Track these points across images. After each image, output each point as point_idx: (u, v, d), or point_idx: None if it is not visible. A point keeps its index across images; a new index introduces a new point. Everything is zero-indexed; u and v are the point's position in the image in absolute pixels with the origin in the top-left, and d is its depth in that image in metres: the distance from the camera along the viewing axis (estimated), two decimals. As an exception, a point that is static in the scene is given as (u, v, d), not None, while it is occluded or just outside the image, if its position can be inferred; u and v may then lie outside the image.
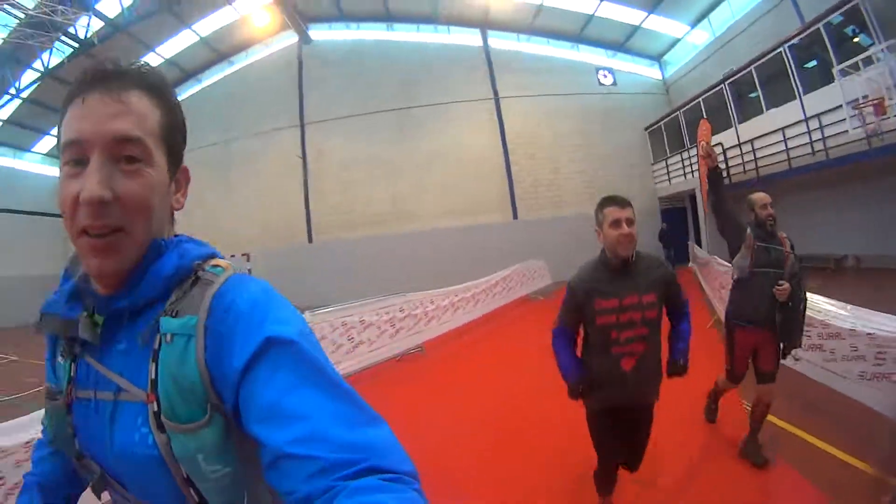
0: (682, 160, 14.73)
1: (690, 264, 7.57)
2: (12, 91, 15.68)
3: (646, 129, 16.66)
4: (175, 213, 0.86)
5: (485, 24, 16.74)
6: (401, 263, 14.57)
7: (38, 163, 19.25)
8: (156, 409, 0.72)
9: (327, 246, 15.73)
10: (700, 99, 13.84)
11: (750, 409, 3.67)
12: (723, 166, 12.30)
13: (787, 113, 10.81)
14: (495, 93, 16.41)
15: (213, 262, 0.83)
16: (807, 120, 10.09)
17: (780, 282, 3.41)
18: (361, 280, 13.42)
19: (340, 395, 0.67)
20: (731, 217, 3.66)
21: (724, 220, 3.71)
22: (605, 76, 17.53)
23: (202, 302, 0.75)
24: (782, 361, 3.68)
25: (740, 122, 12.57)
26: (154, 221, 0.77)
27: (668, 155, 15.69)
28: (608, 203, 2.59)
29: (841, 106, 8.93)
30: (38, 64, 15.02)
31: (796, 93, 10.55)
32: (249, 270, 13.95)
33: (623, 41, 17.26)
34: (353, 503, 0.57)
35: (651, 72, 18.06)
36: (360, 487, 0.58)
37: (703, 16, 15.19)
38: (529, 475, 3.56)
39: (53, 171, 19.23)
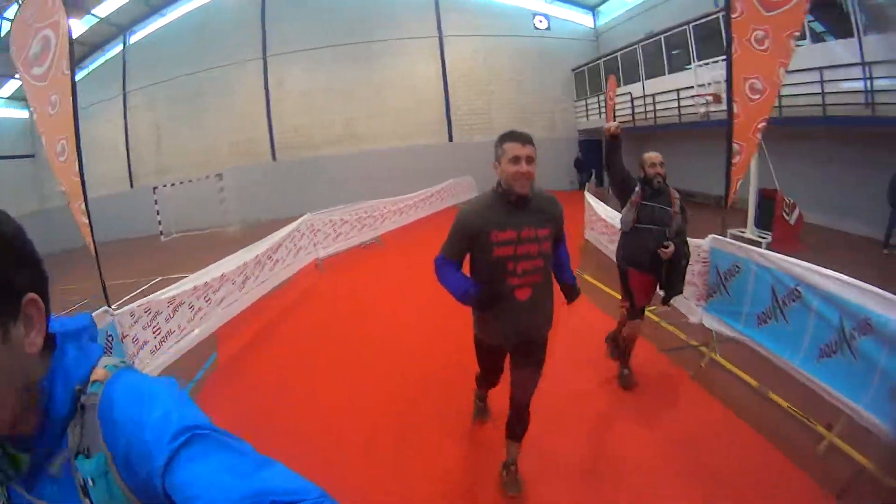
0: (600, 101, 17.56)
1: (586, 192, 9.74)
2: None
3: (573, 70, 19.57)
4: (34, 352, 0.75)
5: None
6: (355, 178, 17.51)
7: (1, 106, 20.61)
8: None
9: (289, 164, 18.56)
10: (619, 53, 16.42)
11: (616, 337, 4.28)
12: (628, 117, 15.49)
13: (682, 78, 13.14)
14: (440, 31, 19.11)
15: (93, 376, 0.81)
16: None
17: (666, 242, 3.78)
18: (321, 193, 16.15)
19: (226, 452, 0.71)
20: (619, 177, 4.02)
21: (614, 179, 4.08)
22: (541, 21, 20.27)
23: (97, 433, 0.76)
24: (663, 306, 4.37)
25: (647, 78, 15.23)
26: (2, 390, 0.72)
27: (589, 95, 18.63)
28: (509, 138, 2.60)
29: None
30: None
31: (692, 63, 12.56)
32: (222, 189, 16.92)
33: None
34: None
35: (584, 19, 20.56)
36: None
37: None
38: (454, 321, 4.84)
39: (18, 113, 21.08)
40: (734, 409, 3.73)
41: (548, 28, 20.13)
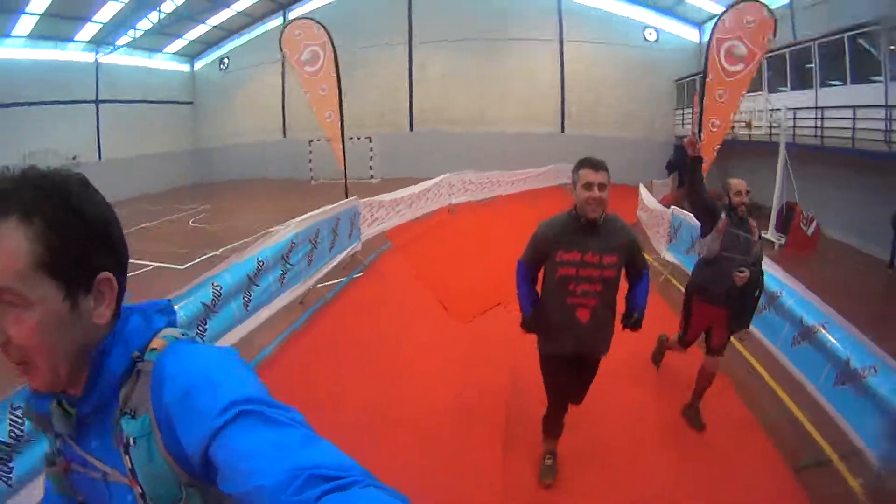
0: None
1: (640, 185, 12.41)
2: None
3: (675, 80, 22.95)
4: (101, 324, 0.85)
5: (561, -21, 23.35)
6: (477, 152, 21.60)
7: (168, 60, 25.91)
8: (140, 491, 0.84)
9: (424, 135, 23.24)
10: None
11: (696, 378, 4.30)
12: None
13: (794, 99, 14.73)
14: (561, 36, 23.08)
15: (151, 345, 0.89)
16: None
17: (742, 268, 3.93)
18: (447, 162, 20.14)
19: (272, 428, 0.75)
20: (702, 203, 4.10)
21: (695, 205, 4.18)
22: (651, 34, 23.75)
23: (147, 398, 0.84)
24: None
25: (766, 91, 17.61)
26: (62, 351, 0.82)
27: (686, 105, 22.18)
28: (584, 165, 3.01)
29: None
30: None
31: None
32: (371, 149, 21.59)
33: (671, 6, 23.65)
34: None
35: (691, 34, 23.71)
36: (306, 500, 0.66)
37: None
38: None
39: (180, 66, 26.78)
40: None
41: (656, 40, 23.63)
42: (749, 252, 4.05)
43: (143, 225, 15.24)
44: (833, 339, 3.97)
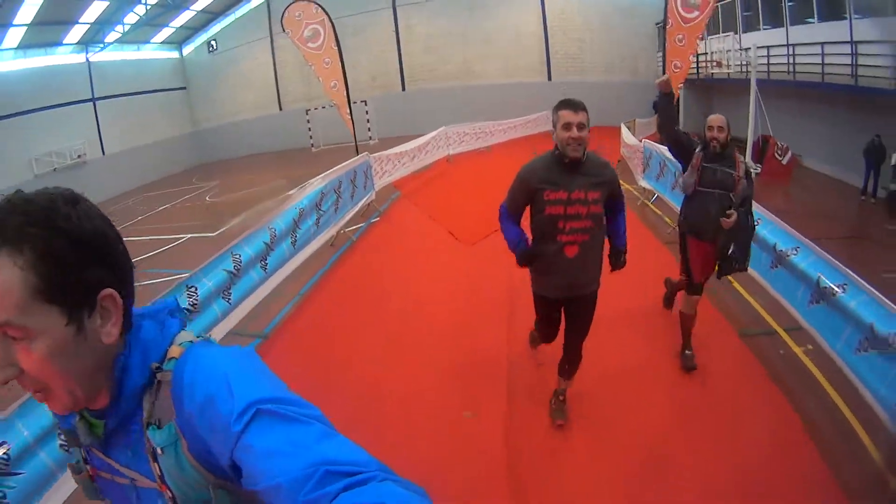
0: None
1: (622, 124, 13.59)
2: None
3: (656, 24, 24.06)
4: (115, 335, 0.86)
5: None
6: (469, 105, 22.62)
7: (157, 50, 26.69)
8: (170, 495, 0.88)
9: (416, 93, 24.43)
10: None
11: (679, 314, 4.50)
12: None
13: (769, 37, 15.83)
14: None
15: (169, 353, 0.92)
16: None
17: (729, 210, 3.95)
18: (440, 117, 21.21)
19: (287, 425, 0.77)
20: (674, 136, 4.26)
21: (668, 139, 4.32)
22: None
23: (170, 407, 0.87)
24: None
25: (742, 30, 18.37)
26: (75, 374, 0.83)
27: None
28: (563, 106, 3.14)
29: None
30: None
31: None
32: (367, 111, 22.56)
33: None
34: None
35: None
36: (324, 496, 0.68)
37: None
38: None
39: (169, 54, 27.53)
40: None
41: None
42: (731, 188, 4.08)
43: (162, 207, 16.64)
44: (804, 263, 4.37)
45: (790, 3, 14.66)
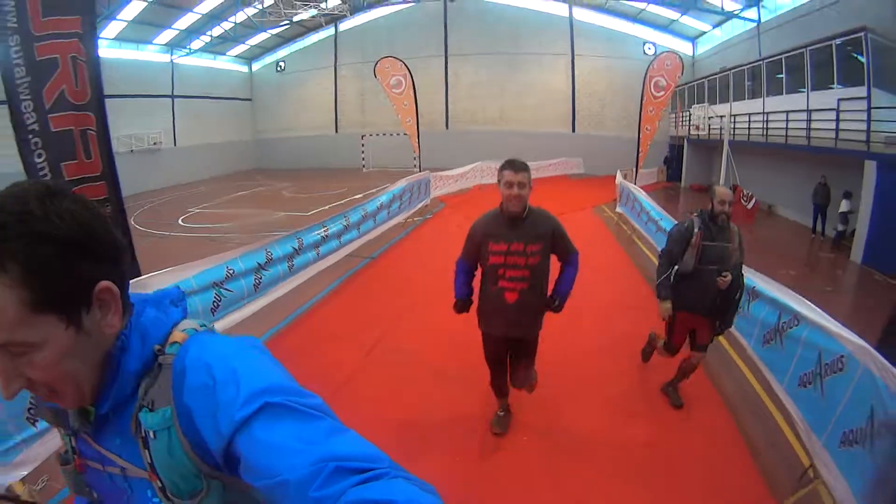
0: (688, 116, 26.68)
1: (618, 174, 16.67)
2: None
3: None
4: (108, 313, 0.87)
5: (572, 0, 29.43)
6: (501, 148, 27.07)
7: (229, 62, 32.26)
8: (160, 485, 0.89)
9: (457, 133, 29.59)
10: (706, 79, 24.48)
11: (680, 364, 4.85)
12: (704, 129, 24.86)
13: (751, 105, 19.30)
14: (572, 50, 29.18)
15: (171, 338, 0.94)
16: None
17: (724, 273, 4.29)
18: (476, 155, 26.24)
19: (296, 419, 0.79)
20: (667, 263, 4.62)
21: (668, 260, 4.63)
22: (649, 48, 29.24)
23: (169, 390, 0.88)
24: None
25: (732, 100, 21.34)
26: (82, 371, 0.86)
27: (681, 110, 27.61)
28: (505, 167, 3.65)
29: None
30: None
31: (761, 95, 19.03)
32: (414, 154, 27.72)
33: (667, 24, 29.00)
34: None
35: (685, 47, 28.88)
36: (333, 493, 0.70)
37: (727, 19, 24.23)
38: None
39: (240, 68, 33.11)
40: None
41: (654, 53, 29.86)
42: (727, 261, 4.36)
43: (238, 193, 21.60)
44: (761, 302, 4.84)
45: (781, 76, 17.84)
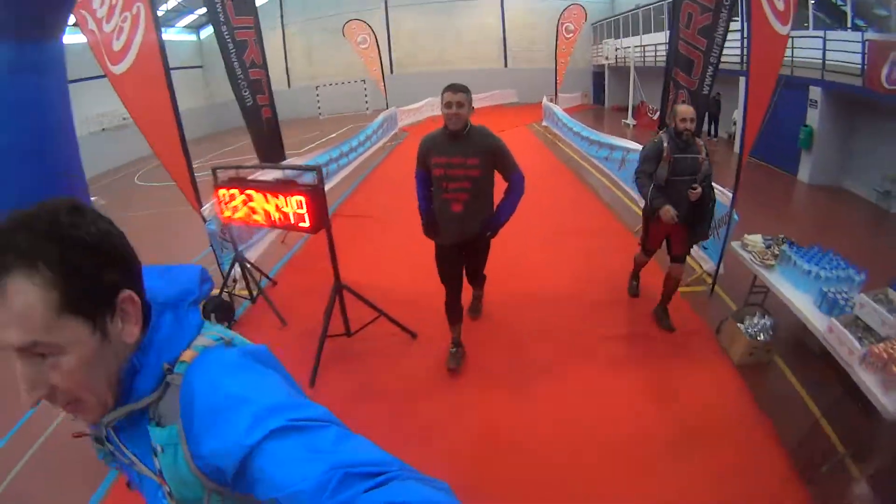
0: (608, 47, 31.71)
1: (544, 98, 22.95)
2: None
3: (592, 24, 33.89)
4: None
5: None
6: (443, 86, 32.86)
7: (179, 33, 35.06)
8: (168, 490, 0.97)
9: (403, 76, 34.03)
10: (621, 15, 29.50)
11: (663, 282, 5.38)
12: (622, 59, 30.50)
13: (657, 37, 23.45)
14: (501, -7, 34.32)
15: (182, 356, 1.00)
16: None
17: (694, 185, 4.81)
18: (422, 94, 30.30)
19: (304, 434, 0.85)
20: (647, 178, 5.12)
21: (645, 175, 5.16)
22: None
23: (176, 409, 0.94)
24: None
25: (634, 34, 27.58)
26: (104, 380, 0.93)
27: (600, 42, 32.52)
28: (446, 89, 4.21)
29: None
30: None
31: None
32: (365, 88, 32.40)
33: None
34: None
35: None
36: (346, 499, 0.74)
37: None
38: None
39: (189, 37, 35.96)
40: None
41: None
42: (697, 171, 4.90)
43: (228, 148, 25.75)
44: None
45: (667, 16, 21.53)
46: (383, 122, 17.80)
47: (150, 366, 0.98)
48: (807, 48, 13.18)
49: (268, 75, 9.15)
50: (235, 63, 8.41)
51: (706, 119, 18.43)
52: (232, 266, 6.62)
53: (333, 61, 35.10)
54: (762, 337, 4.94)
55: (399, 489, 0.74)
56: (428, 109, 25.19)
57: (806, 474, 3.62)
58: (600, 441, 4.08)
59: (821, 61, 12.26)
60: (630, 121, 22.84)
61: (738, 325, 5.10)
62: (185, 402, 0.95)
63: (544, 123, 20.29)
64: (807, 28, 13.49)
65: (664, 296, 5.55)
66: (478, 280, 5.32)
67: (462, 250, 4.72)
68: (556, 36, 22.70)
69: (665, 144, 5.01)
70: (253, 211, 5.06)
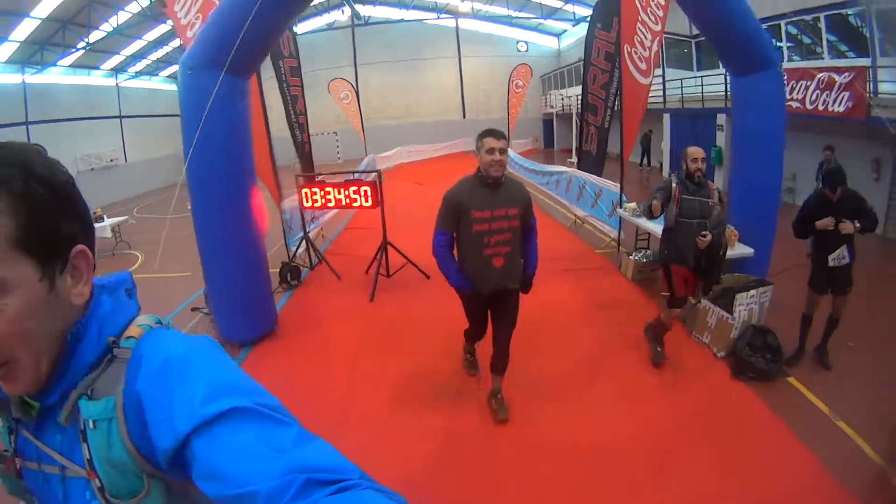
0: (555, 96, 35.99)
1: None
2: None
3: (541, 76, 38.07)
4: (82, 301, 0.93)
5: (457, 13, 38.81)
6: (409, 136, 36.28)
7: (161, 82, 36.21)
8: (99, 484, 0.90)
9: (373, 128, 37.12)
10: (564, 69, 34.62)
11: (654, 323, 5.83)
12: (569, 107, 35.31)
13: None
14: (459, 54, 39.13)
15: (127, 332, 0.97)
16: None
17: (704, 232, 4.82)
18: (391, 144, 34.43)
19: (262, 423, 0.81)
20: (647, 215, 5.28)
21: (650, 218, 5.45)
22: (522, 45, 39.36)
23: (118, 382, 0.90)
24: (700, 299, 5.98)
25: (578, 85, 33.34)
26: (44, 340, 0.88)
27: (549, 92, 37.37)
28: (486, 134, 4.15)
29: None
30: None
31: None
32: (337, 140, 36.63)
33: (536, 25, 38.84)
34: None
35: (551, 42, 39.73)
36: None
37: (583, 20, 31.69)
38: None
39: (171, 87, 37.24)
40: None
41: (526, 50, 39.44)
42: (708, 215, 4.99)
43: None
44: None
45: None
46: (366, 166, 21.60)
47: (93, 338, 0.95)
48: (714, 84, 17.67)
49: (307, 121, 12.98)
50: (291, 111, 12.14)
51: (641, 151, 24.63)
52: (300, 243, 10.31)
53: (310, 115, 39.41)
54: (644, 261, 8.89)
55: (358, 498, 0.73)
56: (398, 157, 29.44)
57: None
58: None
59: (723, 94, 15.87)
60: (573, 159, 26.87)
61: (629, 256, 9.12)
62: (132, 371, 0.91)
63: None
64: (718, 68, 16.60)
65: (657, 326, 5.93)
66: (503, 356, 4.85)
67: (491, 300, 4.65)
68: (508, 90, 27.21)
69: (674, 185, 5.20)
70: (327, 199, 8.80)
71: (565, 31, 38.38)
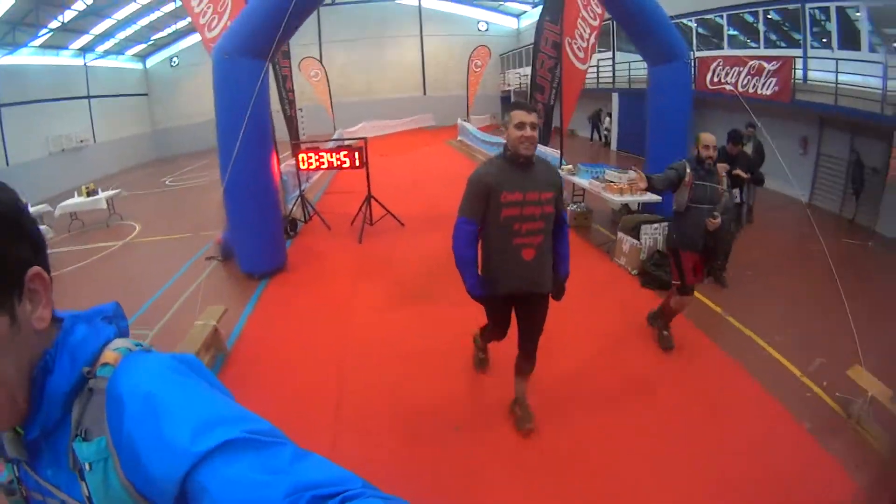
0: (512, 75, 38.19)
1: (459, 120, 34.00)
2: None
3: (500, 55, 39.93)
4: (42, 327, 0.89)
5: (417, -8, 40.77)
6: (372, 111, 38.23)
7: (126, 61, 36.54)
8: None
9: (338, 104, 38.28)
10: (523, 49, 36.07)
11: (662, 307, 5.92)
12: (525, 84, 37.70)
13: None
14: (421, 33, 41.00)
15: (102, 359, 0.93)
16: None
17: (715, 214, 4.91)
18: (355, 119, 36.29)
19: (256, 449, 0.80)
20: (663, 185, 5.23)
21: (662, 190, 5.52)
22: (483, 25, 41.37)
23: (103, 418, 0.87)
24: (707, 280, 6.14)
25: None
26: (14, 374, 0.86)
27: (508, 70, 39.54)
28: (516, 107, 3.68)
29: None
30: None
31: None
32: (302, 117, 38.17)
33: (496, 5, 40.82)
34: None
35: (510, 22, 41.46)
36: None
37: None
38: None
39: (135, 65, 39.34)
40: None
41: (486, 29, 41.60)
42: (717, 201, 5.06)
43: (198, 164, 30.14)
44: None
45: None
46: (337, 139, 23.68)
47: (64, 369, 0.91)
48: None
49: (294, 96, 15.13)
50: (282, 88, 14.19)
51: (591, 127, 27.03)
52: (296, 200, 12.60)
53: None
54: (579, 210, 11.39)
55: None
56: (362, 132, 31.07)
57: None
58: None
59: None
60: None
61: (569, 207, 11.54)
62: (114, 409, 0.87)
63: (460, 138, 26.70)
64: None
65: (664, 314, 6.04)
66: (530, 356, 4.44)
67: (518, 302, 4.22)
68: (468, 70, 29.47)
69: (688, 170, 5.24)
70: (320, 161, 11.02)
71: (525, 12, 40.05)
